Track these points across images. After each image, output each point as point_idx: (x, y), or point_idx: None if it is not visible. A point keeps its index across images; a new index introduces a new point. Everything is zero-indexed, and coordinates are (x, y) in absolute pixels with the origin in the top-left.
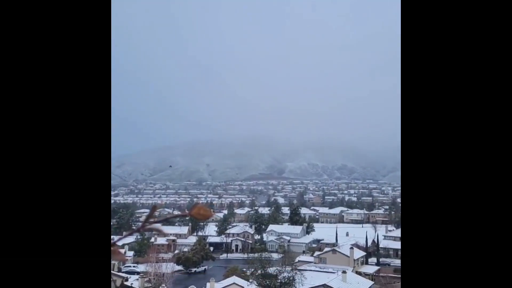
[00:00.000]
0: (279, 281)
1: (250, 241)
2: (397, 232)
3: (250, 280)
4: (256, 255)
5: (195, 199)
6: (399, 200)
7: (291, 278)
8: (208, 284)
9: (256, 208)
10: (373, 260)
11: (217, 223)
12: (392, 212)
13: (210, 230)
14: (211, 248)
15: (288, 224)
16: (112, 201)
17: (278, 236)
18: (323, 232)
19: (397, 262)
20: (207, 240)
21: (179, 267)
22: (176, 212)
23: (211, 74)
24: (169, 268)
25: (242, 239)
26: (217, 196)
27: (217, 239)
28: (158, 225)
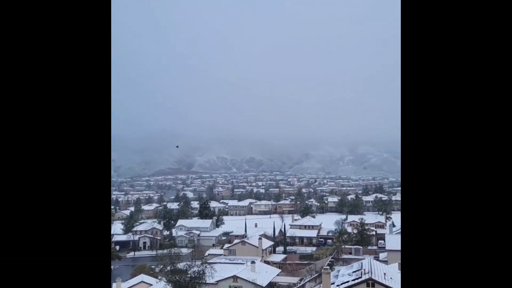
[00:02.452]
0: (189, 276)
1: (159, 238)
2: (303, 221)
3: (159, 277)
4: (165, 251)
5: None
6: (304, 190)
7: (201, 272)
8: (114, 285)
9: (164, 203)
10: (280, 248)
11: (123, 221)
12: (298, 202)
13: (116, 229)
14: (117, 247)
15: (198, 218)
16: None
17: (188, 230)
18: (232, 224)
19: (302, 249)
20: (113, 239)
21: None
22: None
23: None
24: None
25: (150, 236)
26: (123, 193)
27: (123, 237)
28: None
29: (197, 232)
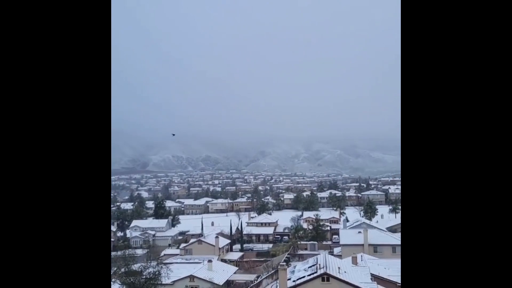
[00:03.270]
0: (144, 277)
1: (113, 239)
2: (259, 218)
3: (113, 280)
4: (119, 253)
5: None
6: (260, 187)
7: (157, 272)
8: None
9: (118, 204)
10: (237, 246)
11: None
12: (254, 200)
13: None
14: None
15: (153, 218)
16: None
17: (143, 231)
18: (189, 223)
19: (259, 246)
20: None
21: None
22: None
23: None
24: None
25: None
26: None
27: None
28: None
29: (152, 233)
